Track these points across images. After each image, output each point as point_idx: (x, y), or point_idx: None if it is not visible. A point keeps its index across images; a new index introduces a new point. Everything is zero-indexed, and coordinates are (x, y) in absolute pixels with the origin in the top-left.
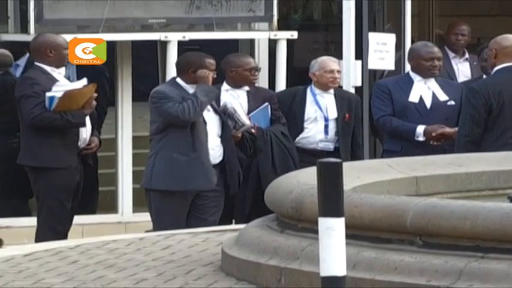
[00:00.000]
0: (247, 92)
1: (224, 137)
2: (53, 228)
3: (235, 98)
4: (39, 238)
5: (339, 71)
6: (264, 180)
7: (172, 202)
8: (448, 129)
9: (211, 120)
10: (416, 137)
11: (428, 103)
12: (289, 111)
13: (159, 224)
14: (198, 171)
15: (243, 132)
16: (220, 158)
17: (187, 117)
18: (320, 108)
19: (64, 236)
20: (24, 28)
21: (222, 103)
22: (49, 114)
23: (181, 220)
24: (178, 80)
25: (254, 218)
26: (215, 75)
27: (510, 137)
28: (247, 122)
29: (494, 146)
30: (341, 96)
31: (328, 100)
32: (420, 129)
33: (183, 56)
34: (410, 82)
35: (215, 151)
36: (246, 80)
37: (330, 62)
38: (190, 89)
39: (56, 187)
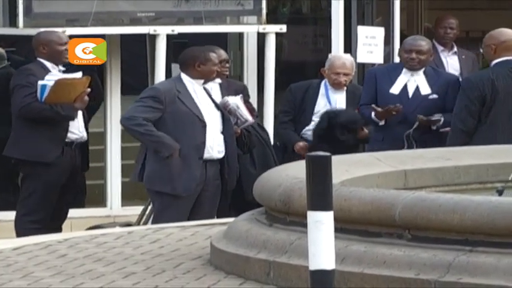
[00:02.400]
0: (220, 84)
1: (226, 132)
2: (31, 222)
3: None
4: (17, 232)
5: (345, 74)
6: (243, 172)
7: (175, 204)
8: (392, 107)
9: (214, 117)
10: (377, 122)
11: (409, 95)
12: (301, 102)
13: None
14: (181, 175)
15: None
16: (223, 154)
17: (131, 128)
18: (330, 102)
19: (44, 231)
20: (13, 22)
21: (222, 99)
22: (39, 104)
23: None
24: (182, 75)
25: (234, 212)
26: (219, 69)
27: (502, 129)
28: (249, 118)
29: (487, 137)
30: (353, 92)
31: (339, 95)
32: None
33: (187, 50)
34: (399, 73)
35: (219, 147)
36: (218, 73)
37: (338, 63)
38: (194, 83)
39: (40, 181)
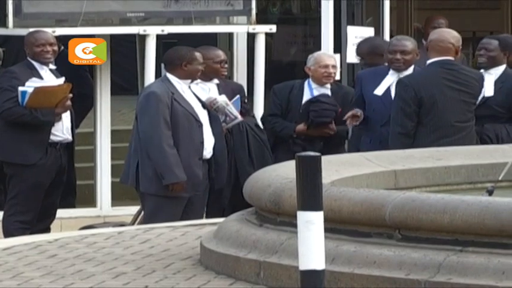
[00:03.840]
0: (217, 85)
1: (215, 130)
2: (19, 223)
3: (205, 91)
4: (5, 232)
5: (334, 66)
6: (241, 172)
7: (170, 205)
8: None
9: (205, 117)
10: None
11: (393, 96)
12: (287, 103)
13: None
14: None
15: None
16: (212, 153)
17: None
18: None
19: (32, 231)
20: (2, 22)
21: (207, 98)
22: (19, 109)
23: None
24: (169, 75)
25: (232, 211)
26: (203, 68)
27: (445, 131)
28: (238, 115)
29: (429, 139)
30: (337, 91)
31: (324, 93)
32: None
33: (172, 50)
34: (385, 74)
35: (212, 146)
36: (217, 73)
37: (325, 57)
38: (182, 83)
39: (24, 183)
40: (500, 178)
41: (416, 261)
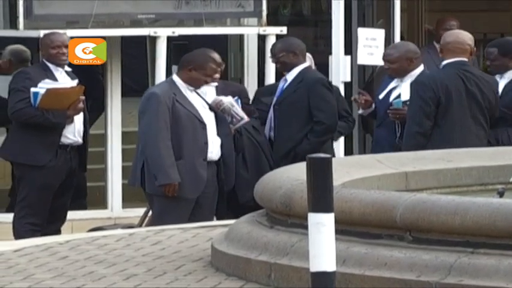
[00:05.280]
0: (216, 87)
1: (223, 132)
2: (29, 224)
3: (203, 94)
4: (15, 234)
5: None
6: (235, 176)
7: (177, 207)
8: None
9: (210, 118)
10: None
11: (390, 100)
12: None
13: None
14: (186, 178)
15: (236, 128)
16: (219, 155)
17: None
18: None
19: (42, 233)
20: (13, 24)
21: (214, 99)
22: (31, 110)
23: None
24: (175, 77)
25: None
26: (221, 68)
27: (459, 132)
28: (245, 116)
29: (444, 140)
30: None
31: None
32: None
33: (192, 52)
34: (391, 80)
35: (217, 148)
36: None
37: None
38: (185, 86)
39: (34, 184)
40: (511, 180)
41: (427, 262)
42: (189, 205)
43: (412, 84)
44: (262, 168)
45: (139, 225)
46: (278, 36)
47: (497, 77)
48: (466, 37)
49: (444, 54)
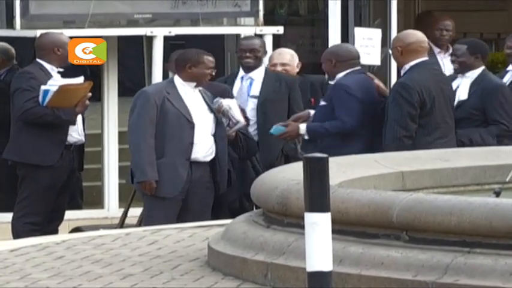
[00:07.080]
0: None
1: (217, 134)
2: (30, 224)
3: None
4: (14, 233)
5: (283, 64)
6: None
7: (162, 206)
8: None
9: (206, 119)
10: None
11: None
12: None
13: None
14: (165, 176)
15: (237, 132)
16: (212, 156)
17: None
18: None
19: (41, 232)
20: (9, 23)
21: (215, 101)
22: (40, 109)
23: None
24: (175, 77)
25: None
26: (213, 73)
27: (441, 133)
28: (241, 119)
29: (426, 141)
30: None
31: None
32: None
33: (182, 51)
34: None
35: (208, 150)
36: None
37: (275, 55)
38: (186, 85)
39: (39, 184)
40: (507, 179)
41: (424, 262)
42: (175, 204)
43: (394, 87)
44: (245, 169)
45: (138, 225)
46: (274, 36)
47: (459, 76)
48: (423, 36)
49: (407, 55)
